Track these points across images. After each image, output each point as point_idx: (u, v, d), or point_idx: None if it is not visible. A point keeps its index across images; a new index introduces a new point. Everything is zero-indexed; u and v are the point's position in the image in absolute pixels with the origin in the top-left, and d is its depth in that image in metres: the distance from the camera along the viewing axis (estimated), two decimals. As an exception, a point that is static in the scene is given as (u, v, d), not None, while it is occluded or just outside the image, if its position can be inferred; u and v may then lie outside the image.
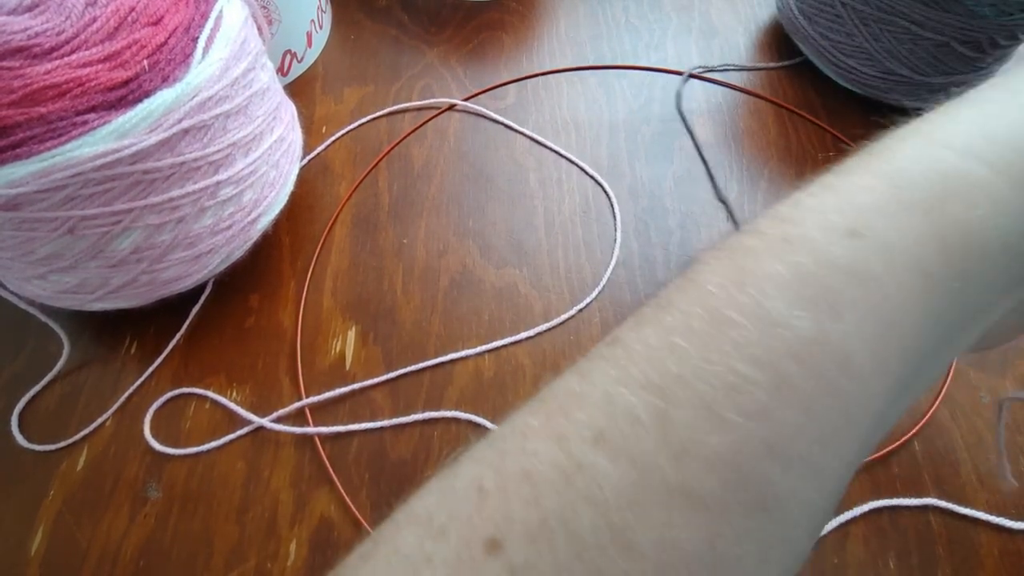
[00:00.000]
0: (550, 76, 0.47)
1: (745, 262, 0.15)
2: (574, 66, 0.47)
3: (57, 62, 0.26)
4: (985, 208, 0.14)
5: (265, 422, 0.33)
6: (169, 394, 0.34)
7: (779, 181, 0.41)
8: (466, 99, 0.45)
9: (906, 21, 0.38)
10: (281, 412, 0.33)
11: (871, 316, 0.13)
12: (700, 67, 0.46)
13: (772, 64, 0.46)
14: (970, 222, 0.14)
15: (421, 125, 0.44)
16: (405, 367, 0.34)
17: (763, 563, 0.13)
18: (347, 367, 0.35)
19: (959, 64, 0.39)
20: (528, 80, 0.46)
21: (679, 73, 0.46)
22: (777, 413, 0.13)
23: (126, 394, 0.34)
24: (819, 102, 0.44)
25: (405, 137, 0.44)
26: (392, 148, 0.43)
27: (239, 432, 0.33)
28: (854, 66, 0.42)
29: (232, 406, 0.34)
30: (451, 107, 0.45)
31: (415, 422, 0.33)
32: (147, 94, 0.27)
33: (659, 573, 0.12)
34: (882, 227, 0.14)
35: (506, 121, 0.44)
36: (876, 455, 0.32)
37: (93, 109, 0.26)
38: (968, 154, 0.14)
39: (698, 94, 0.45)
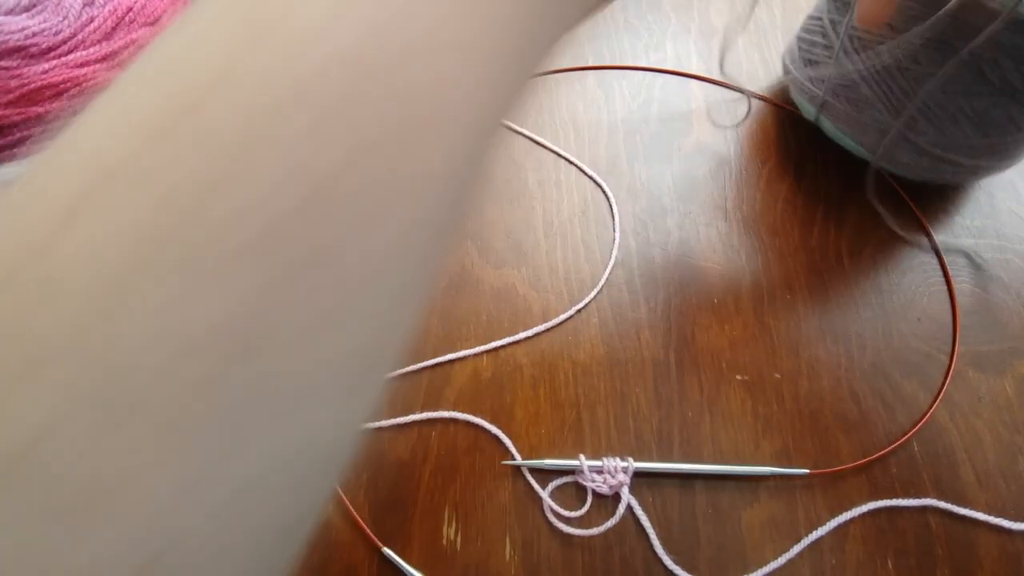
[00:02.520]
0: (549, 76, 0.47)
1: None
2: (572, 67, 0.47)
3: (54, 62, 0.26)
4: None
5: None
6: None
7: (778, 182, 0.41)
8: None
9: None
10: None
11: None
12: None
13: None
14: None
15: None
16: (403, 367, 0.34)
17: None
18: (345, 367, 0.35)
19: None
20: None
21: (679, 74, 0.46)
22: None
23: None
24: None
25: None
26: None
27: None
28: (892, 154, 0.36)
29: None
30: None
31: (413, 422, 0.33)
32: (145, 94, 0.27)
33: None
34: None
35: (505, 121, 0.44)
36: (876, 455, 0.32)
37: (90, 109, 0.26)
38: None
39: (697, 95, 0.45)
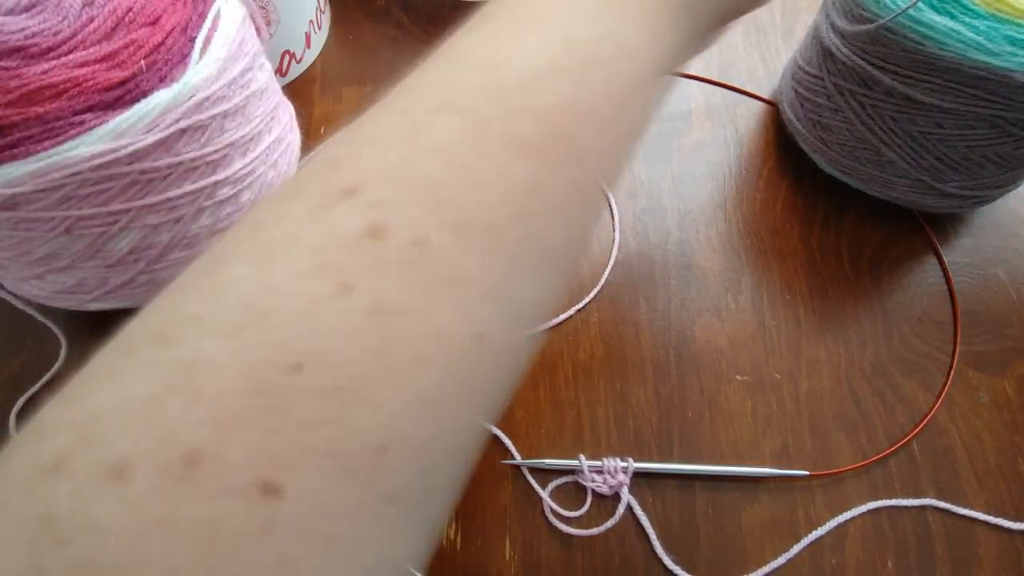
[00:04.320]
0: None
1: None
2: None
3: (54, 62, 0.26)
4: None
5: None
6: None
7: (778, 182, 0.41)
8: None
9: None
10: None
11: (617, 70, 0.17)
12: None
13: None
14: None
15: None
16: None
17: (572, 196, 0.16)
18: (345, 367, 0.35)
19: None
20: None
21: (679, 75, 0.46)
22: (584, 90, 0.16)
23: (124, 394, 0.34)
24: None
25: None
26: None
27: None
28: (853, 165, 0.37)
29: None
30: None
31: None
32: (144, 94, 0.27)
33: (500, 198, 0.15)
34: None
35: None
36: (876, 456, 0.32)
37: (90, 109, 0.26)
38: None
39: (697, 95, 0.45)
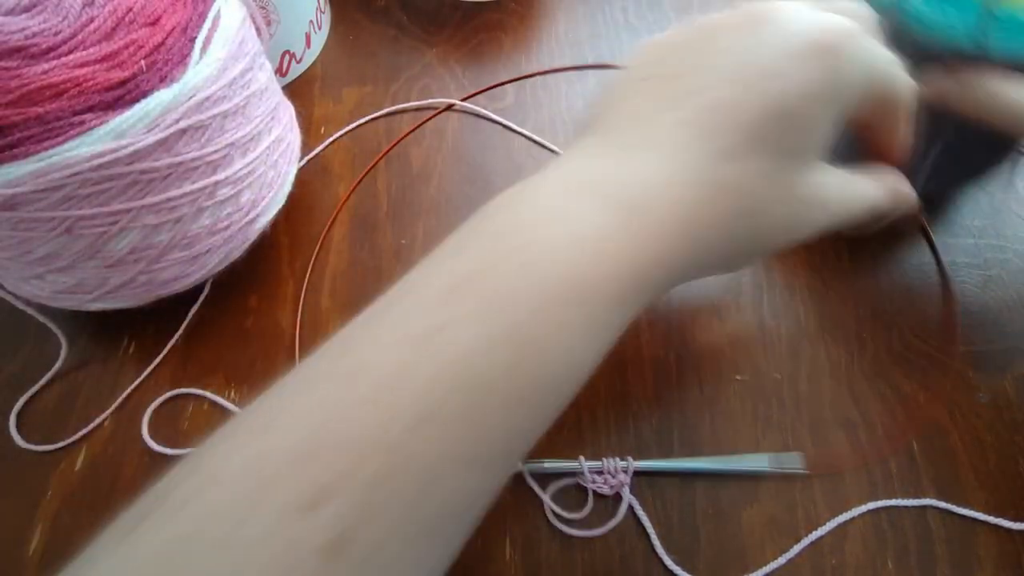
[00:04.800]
0: (549, 76, 0.47)
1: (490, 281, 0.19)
2: (572, 66, 0.47)
3: (54, 62, 0.26)
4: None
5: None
6: (167, 395, 0.34)
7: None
8: (465, 99, 0.45)
9: None
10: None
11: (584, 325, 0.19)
12: None
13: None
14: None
15: (419, 125, 0.44)
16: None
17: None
18: (345, 367, 0.35)
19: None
20: (527, 80, 0.46)
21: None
22: None
23: (124, 394, 0.34)
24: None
25: (403, 138, 0.44)
26: (391, 149, 0.43)
27: (237, 432, 0.33)
28: None
29: (231, 406, 0.34)
30: (450, 107, 0.45)
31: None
32: (144, 94, 0.27)
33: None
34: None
35: (505, 122, 0.44)
36: (876, 456, 0.32)
37: (90, 109, 0.26)
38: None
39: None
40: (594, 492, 0.31)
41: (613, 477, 0.31)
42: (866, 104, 0.23)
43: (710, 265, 0.23)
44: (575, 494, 0.31)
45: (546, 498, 0.31)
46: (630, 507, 0.30)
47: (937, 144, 0.32)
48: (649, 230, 0.20)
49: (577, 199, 0.20)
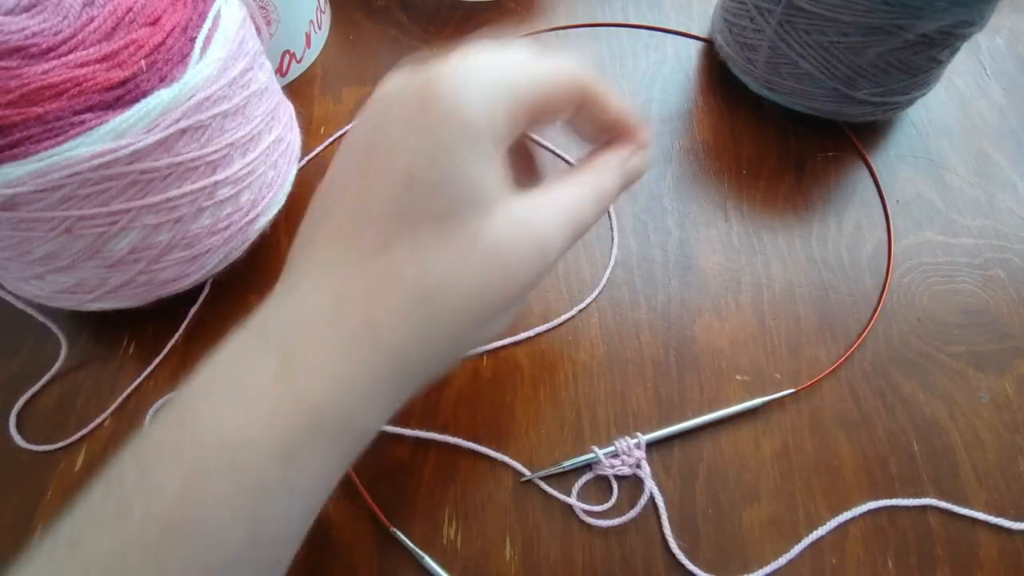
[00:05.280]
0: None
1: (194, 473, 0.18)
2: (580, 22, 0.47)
3: (54, 62, 0.26)
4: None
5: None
6: (168, 395, 0.34)
7: (778, 181, 0.41)
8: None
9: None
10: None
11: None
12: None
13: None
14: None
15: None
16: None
17: None
18: (345, 367, 0.35)
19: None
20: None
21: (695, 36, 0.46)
22: None
23: (124, 394, 0.34)
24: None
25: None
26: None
27: (237, 432, 0.33)
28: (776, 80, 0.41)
29: (230, 406, 0.33)
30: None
31: (412, 423, 0.33)
32: (144, 94, 0.27)
33: None
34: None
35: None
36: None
37: (90, 109, 0.26)
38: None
39: (697, 95, 0.45)
40: (615, 477, 0.31)
41: (628, 455, 0.31)
42: (542, 112, 0.21)
43: (428, 367, 0.21)
44: (594, 490, 0.31)
45: (572, 500, 0.31)
46: (639, 504, 0.31)
47: (870, 52, 0.36)
48: (309, 371, 0.19)
49: (248, 358, 0.20)
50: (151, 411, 0.34)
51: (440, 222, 0.19)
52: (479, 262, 0.20)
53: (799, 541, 0.30)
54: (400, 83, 0.21)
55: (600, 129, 0.24)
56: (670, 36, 0.49)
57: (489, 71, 0.20)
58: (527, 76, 0.20)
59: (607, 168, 0.24)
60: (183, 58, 0.29)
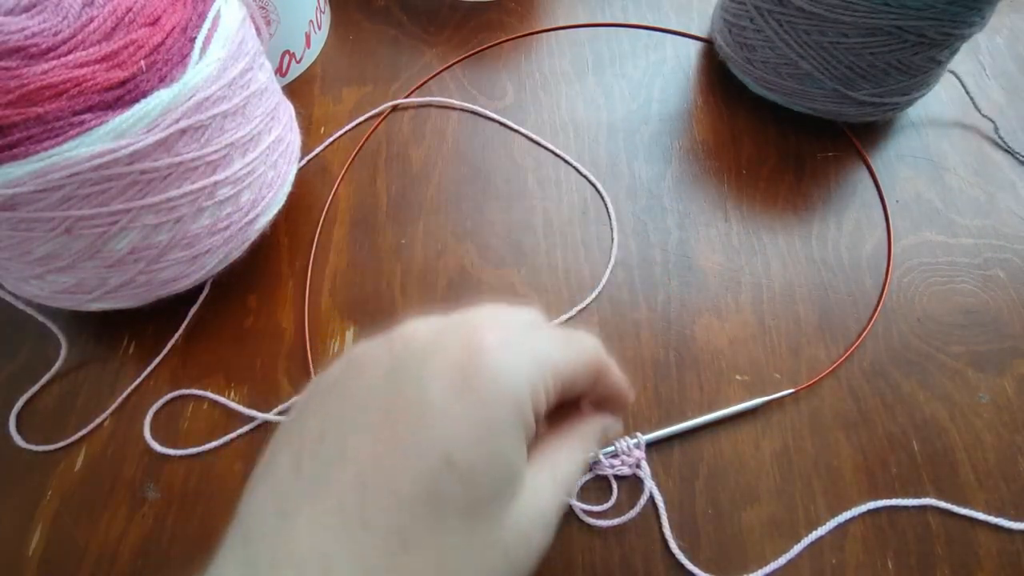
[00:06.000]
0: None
1: None
2: (580, 23, 0.47)
3: (54, 62, 0.26)
4: None
5: (270, 416, 0.33)
6: (168, 395, 0.34)
7: (777, 181, 0.41)
8: (464, 99, 0.45)
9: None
10: (282, 407, 0.33)
11: None
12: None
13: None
14: None
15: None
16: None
17: None
18: (345, 367, 0.35)
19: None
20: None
21: (695, 36, 0.46)
22: None
23: (124, 394, 0.34)
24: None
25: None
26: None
27: (240, 430, 0.33)
28: (774, 79, 0.41)
29: (232, 405, 0.34)
30: (449, 107, 0.45)
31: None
32: (144, 94, 0.27)
33: None
34: None
35: (505, 121, 0.44)
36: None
37: (90, 109, 0.26)
38: None
39: (696, 95, 0.45)
40: (615, 477, 0.31)
41: (628, 455, 0.31)
42: (571, 391, 0.20)
43: None
44: (594, 490, 0.31)
45: (572, 499, 0.31)
46: (639, 504, 0.31)
47: (870, 52, 0.36)
48: None
49: None
50: (151, 411, 0.34)
51: (469, 514, 0.17)
52: (501, 562, 0.18)
53: (799, 541, 0.30)
54: (432, 333, 0.19)
55: (597, 397, 0.24)
56: (670, 36, 0.49)
57: (530, 350, 0.19)
58: (562, 357, 0.20)
59: (593, 436, 0.24)
60: (183, 58, 0.29)
